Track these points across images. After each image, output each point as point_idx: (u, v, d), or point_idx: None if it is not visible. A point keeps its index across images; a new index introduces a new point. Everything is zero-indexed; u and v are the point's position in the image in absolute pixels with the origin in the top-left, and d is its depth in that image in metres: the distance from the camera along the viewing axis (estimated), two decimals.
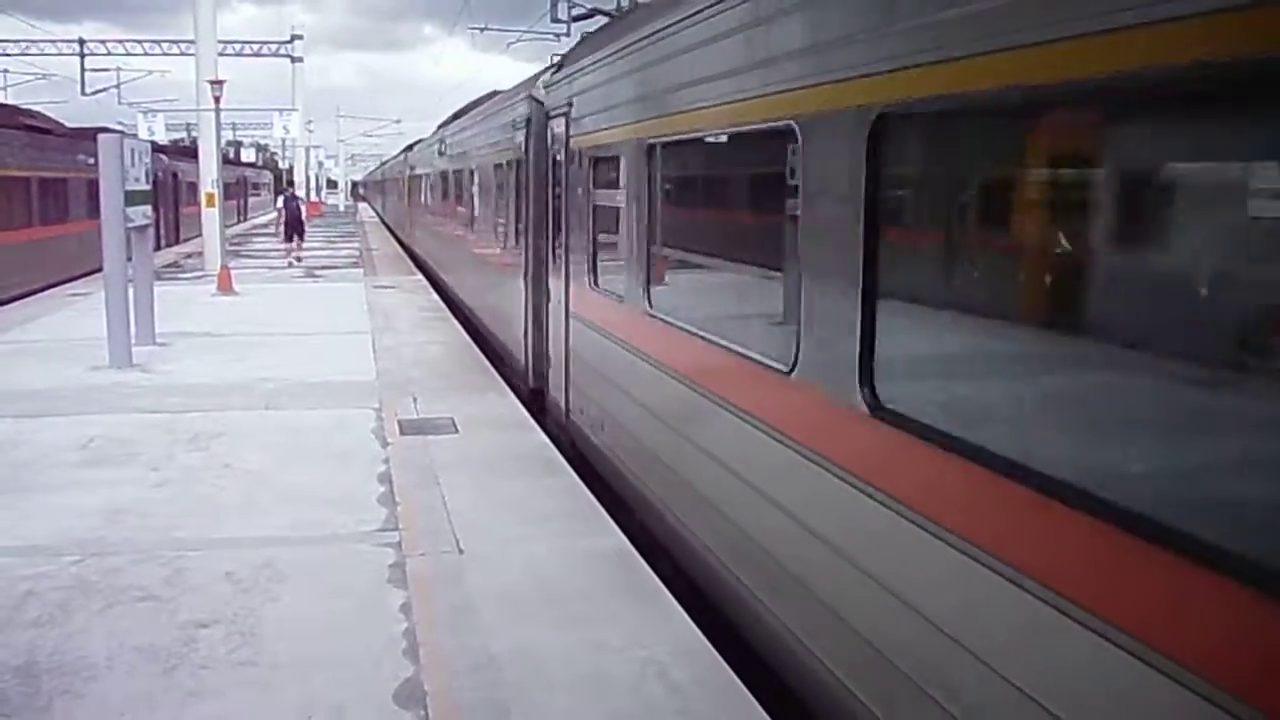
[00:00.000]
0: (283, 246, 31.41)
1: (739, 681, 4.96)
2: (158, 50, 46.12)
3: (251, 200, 67.45)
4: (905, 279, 4.08)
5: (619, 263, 7.73)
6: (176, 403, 10.93)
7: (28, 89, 52.70)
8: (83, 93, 46.94)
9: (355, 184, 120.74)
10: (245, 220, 59.71)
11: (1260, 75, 2.44)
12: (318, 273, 27.06)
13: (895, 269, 4.01)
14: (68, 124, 31.21)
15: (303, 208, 35.05)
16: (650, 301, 6.91)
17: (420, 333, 16.15)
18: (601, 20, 22.26)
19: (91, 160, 16.77)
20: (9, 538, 6.88)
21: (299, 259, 29.73)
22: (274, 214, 45.10)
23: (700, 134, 6.02)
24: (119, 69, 49.93)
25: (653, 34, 6.61)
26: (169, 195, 35.73)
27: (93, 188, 16.23)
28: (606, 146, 7.87)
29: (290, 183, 50.85)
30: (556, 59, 11.88)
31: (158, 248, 23.46)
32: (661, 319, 6.66)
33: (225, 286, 21.40)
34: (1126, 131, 3.19)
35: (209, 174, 25.89)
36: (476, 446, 9.23)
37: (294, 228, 31.05)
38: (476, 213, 16.60)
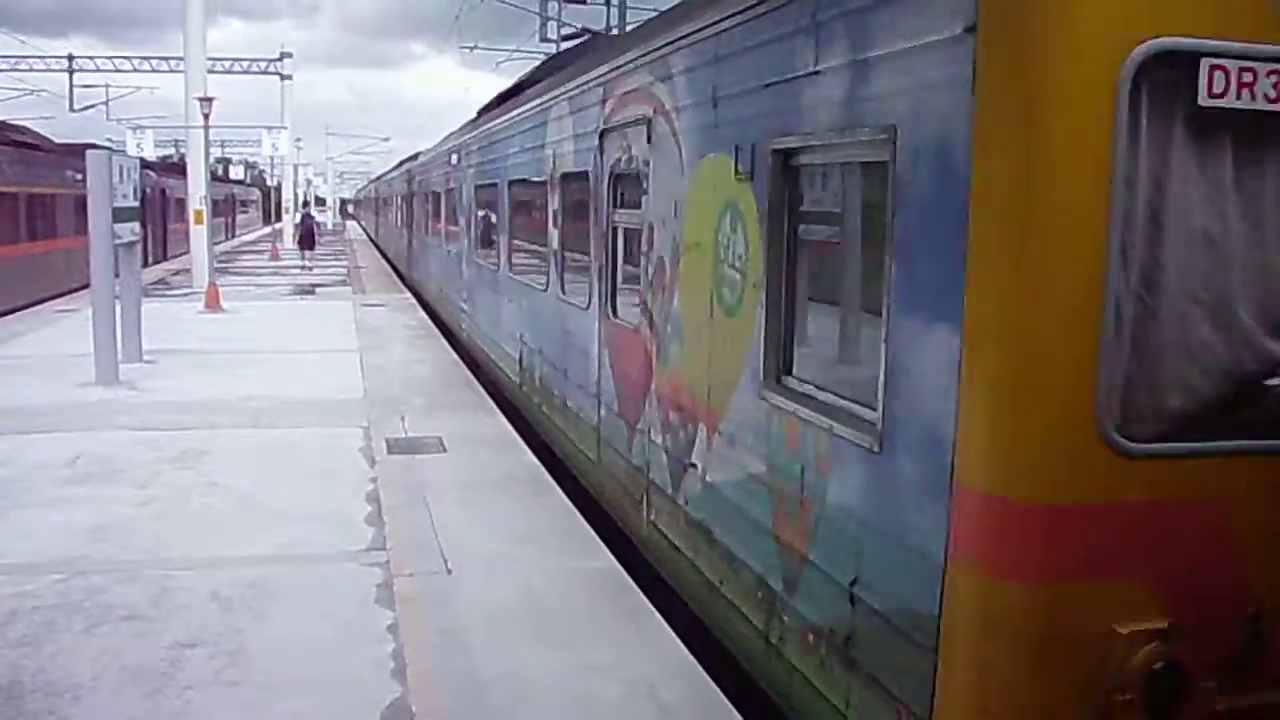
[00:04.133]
0: (298, 253, 37.50)
1: (728, 702, 4.96)
2: (147, 67, 45.96)
3: (240, 218, 67.39)
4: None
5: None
6: (163, 420, 10.89)
7: (16, 105, 52.44)
8: (71, 109, 46.82)
9: (344, 202, 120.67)
10: (234, 238, 59.66)
11: None
12: (306, 290, 27.03)
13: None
14: (56, 140, 31.16)
15: (316, 222, 41.26)
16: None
17: (408, 351, 16.14)
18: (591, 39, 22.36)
19: (80, 176, 16.74)
20: None
21: (309, 267, 34.48)
22: (268, 230, 53.67)
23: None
24: (108, 85, 49.81)
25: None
26: (157, 212, 35.68)
27: (81, 204, 16.24)
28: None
29: (306, 203, 52.40)
30: None
31: (145, 264, 23.42)
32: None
33: (213, 304, 21.36)
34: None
35: (197, 191, 25.86)
36: (465, 465, 9.22)
37: (307, 240, 36.86)
38: None
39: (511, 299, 11.77)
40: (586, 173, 8.01)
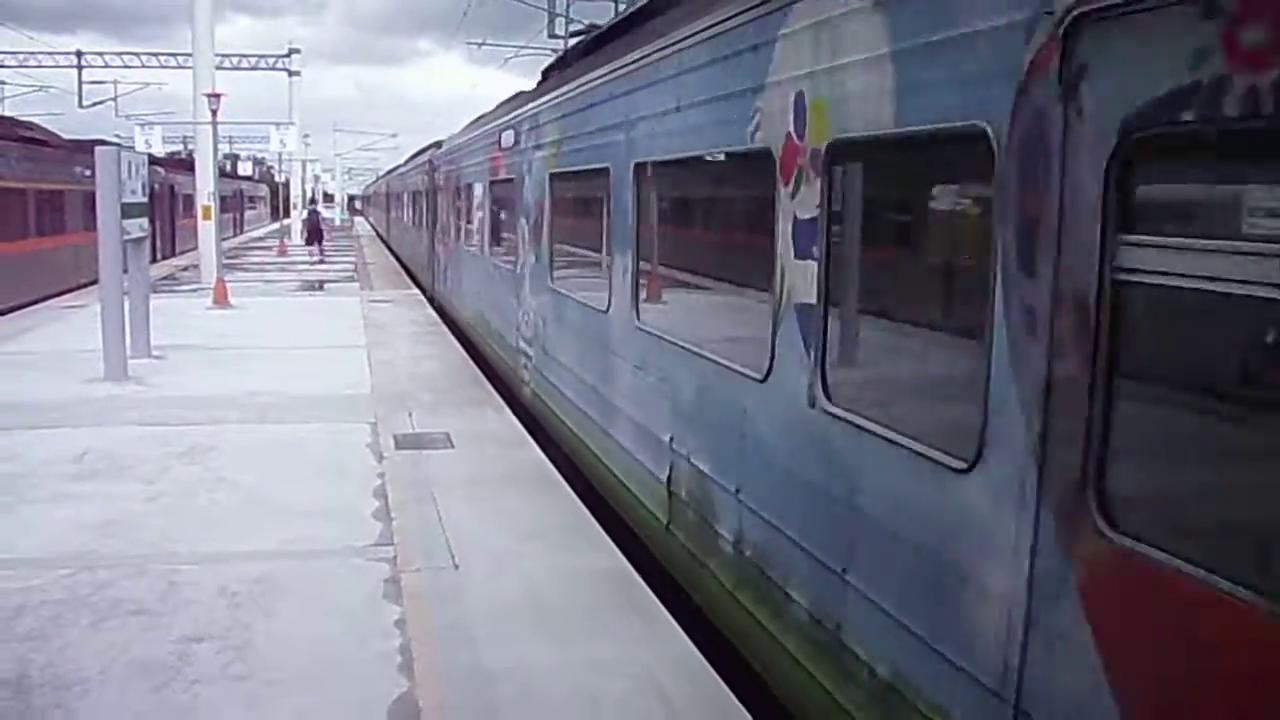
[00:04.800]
0: (306, 249, 39.31)
1: (736, 700, 4.94)
2: (155, 63, 46.15)
3: (248, 214, 67.48)
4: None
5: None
6: (171, 416, 10.90)
7: (24, 101, 52.65)
8: (80, 105, 46.97)
9: (352, 198, 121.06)
10: (242, 233, 59.75)
11: None
12: (314, 286, 27.06)
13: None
14: (65, 136, 31.23)
15: (323, 218, 44.25)
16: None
17: (416, 347, 16.13)
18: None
19: (88, 172, 16.78)
20: (1, 550, 6.85)
21: (320, 260, 36.11)
22: (276, 226, 54.74)
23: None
24: (116, 81, 49.97)
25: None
26: (165, 208, 35.75)
27: (89, 200, 16.28)
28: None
29: (313, 199, 54.46)
30: None
31: (154, 260, 23.45)
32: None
33: (221, 299, 21.39)
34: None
35: (205, 187, 25.91)
36: (472, 462, 9.21)
37: (315, 234, 39.14)
38: None
39: (649, 369, 6.91)
40: (972, 134, 3.41)
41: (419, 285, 26.23)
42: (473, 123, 17.52)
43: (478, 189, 15.24)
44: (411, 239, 30.45)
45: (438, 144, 23.79)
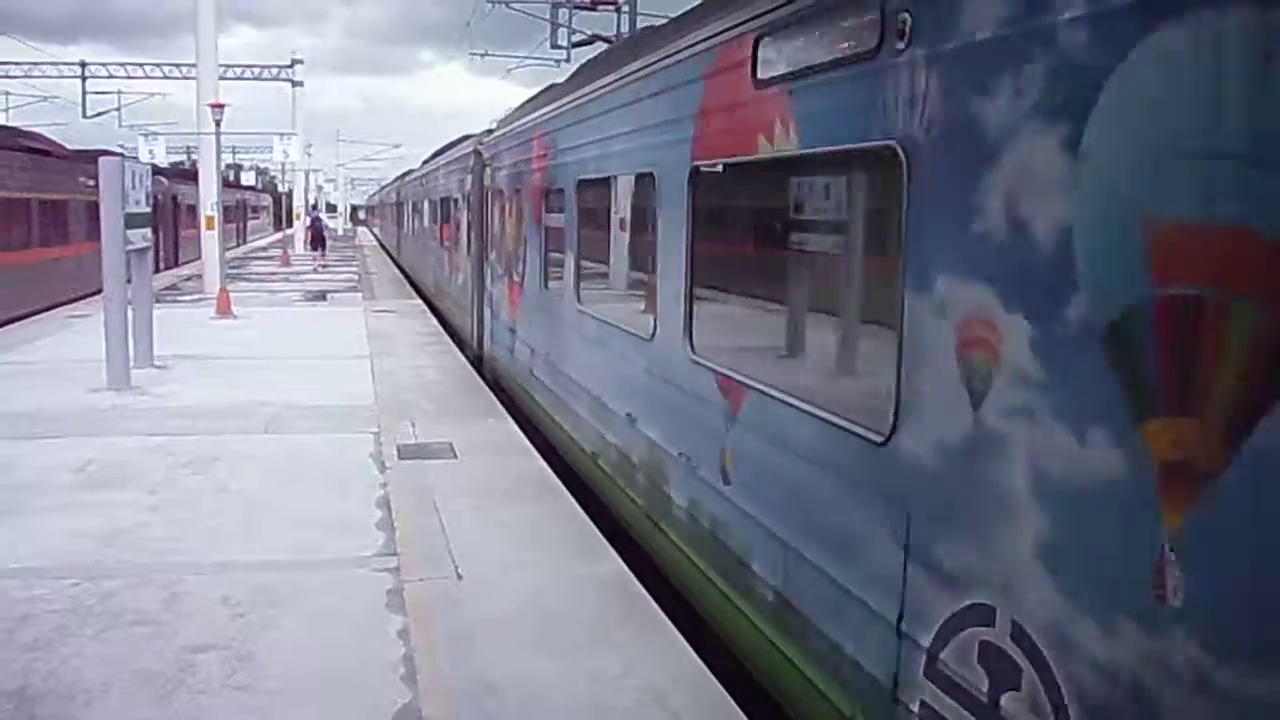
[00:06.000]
0: (309, 253, 41.85)
1: (740, 712, 4.94)
2: (159, 73, 46.24)
3: (251, 223, 67.60)
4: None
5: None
6: (175, 425, 10.92)
7: (29, 111, 52.70)
8: (84, 115, 47.11)
9: (355, 208, 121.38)
10: (245, 243, 59.85)
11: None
12: (317, 296, 27.10)
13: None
14: (69, 146, 31.31)
15: (324, 224, 46.68)
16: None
17: (418, 357, 16.15)
18: (601, 46, 22.36)
19: (92, 183, 16.83)
20: (5, 560, 6.84)
21: (323, 265, 38.23)
22: (279, 236, 57.56)
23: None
24: (120, 91, 50.04)
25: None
26: (169, 218, 35.83)
27: (93, 210, 16.33)
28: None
29: (315, 206, 57.50)
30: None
31: (157, 270, 23.51)
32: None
33: (224, 310, 21.42)
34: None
35: (209, 197, 25.95)
36: (475, 471, 9.21)
37: (318, 240, 42.27)
38: None
39: None
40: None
41: (451, 333, 18.97)
42: (568, 80, 10.78)
43: (600, 193, 8.68)
44: (439, 266, 22.45)
45: (487, 132, 16.01)
